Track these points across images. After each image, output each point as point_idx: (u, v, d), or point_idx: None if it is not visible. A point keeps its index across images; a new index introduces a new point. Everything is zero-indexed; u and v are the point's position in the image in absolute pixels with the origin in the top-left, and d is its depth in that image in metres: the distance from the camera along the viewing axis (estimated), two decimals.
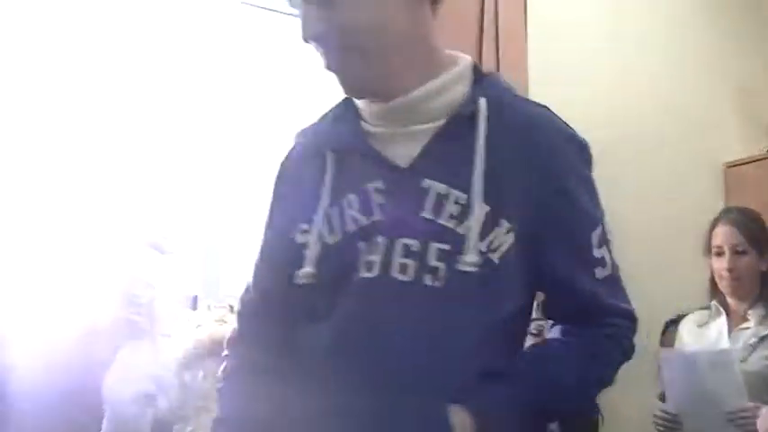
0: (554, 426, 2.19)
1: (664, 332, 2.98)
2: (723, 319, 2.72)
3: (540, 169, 1.25)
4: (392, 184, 1.26)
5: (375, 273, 1.22)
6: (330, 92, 1.34)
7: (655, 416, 2.58)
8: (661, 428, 2.56)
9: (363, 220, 1.25)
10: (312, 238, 1.27)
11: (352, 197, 1.27)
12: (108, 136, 2.78)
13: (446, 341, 1.19)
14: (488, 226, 1.22)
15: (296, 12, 1.28)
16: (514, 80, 3.03)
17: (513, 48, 3.28)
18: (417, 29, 1.28)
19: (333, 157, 1.31)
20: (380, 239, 1.23)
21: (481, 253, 1.21)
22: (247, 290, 1.41)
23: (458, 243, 1.21)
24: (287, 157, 1.42)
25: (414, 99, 1.27)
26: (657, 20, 3.99)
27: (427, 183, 1.24)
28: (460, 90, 1.30)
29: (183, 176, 2.96)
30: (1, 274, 2.48)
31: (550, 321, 1.39)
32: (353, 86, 1.30)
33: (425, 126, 1.28)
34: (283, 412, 1.23)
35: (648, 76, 3.88)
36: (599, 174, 1.34)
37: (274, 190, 1.41)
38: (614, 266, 1.31)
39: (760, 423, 2.32)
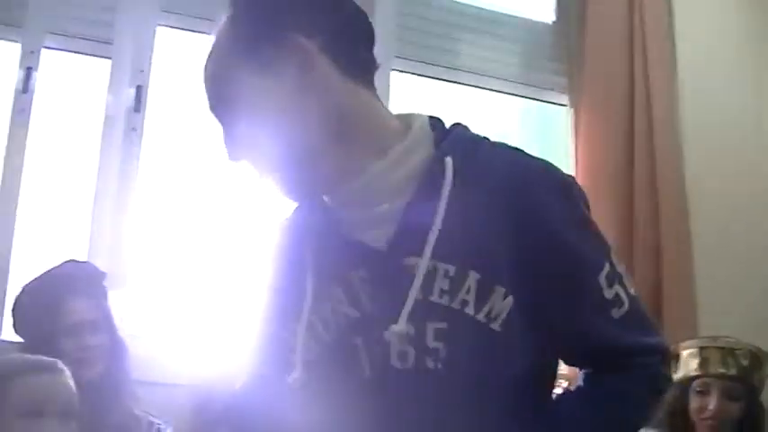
0: None
1: None
2: None
3: (527, 227, 1.17)
4: (375, 270, 1.20)
5: (377, 369, 1.17)
6: None
7: None
8: None
9: (355, 314, 1.20)
10: (300, 339, 1.22)
11: (338, 291, 1.21)
12: None
13: (462, 419, 1.15)
14: (483, 294, 1.16)
15: None
16: (663, 78, 3.18)
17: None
18: (337, 117, 1.20)
19: (312, 249, 1.26)
20: (377, 332, 1.16)
21: (481, 324, 1.15)
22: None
23: (454, 320, 1.15)
24: (272, 249, 1.37)
25: (366, 183, 1.21)
26: None
27: (411, 260, 1.17)
28: (421, 154, 1.22)
29: None
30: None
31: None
32: (292, 198, 1.27)
33: (391, 205, 1.21)
34: None
35: None
36: None
37: (264, 281, 1.36)
38: (632, 299, 1.22)
39: None
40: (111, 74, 2.73)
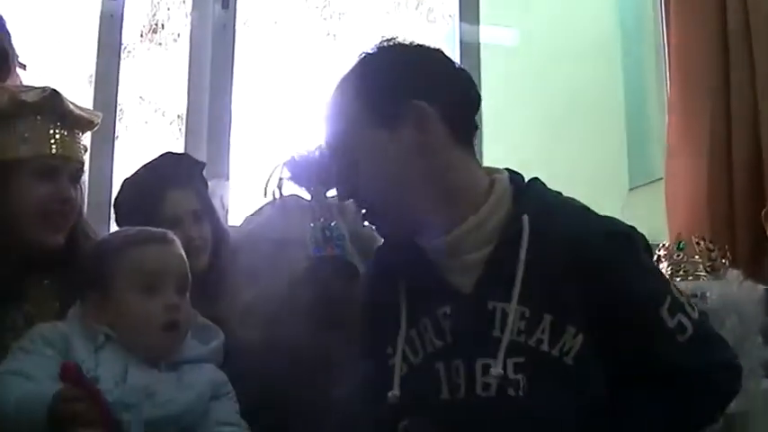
0: None
1: None
2: None
3: (592, 274, 1.33)
4: (459, 309, 1.38)
5: (462, 394, 1.35)
6: None
7: None
8: None
9: (439, 343, 1.39)
10: (398, 361, 1.41)
11: (426, 321, 1.40)
12: None
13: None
14: (557, 333, 1.33)
15: None
16: None
17: None
18: (435, 177, 1.38)
19: (405, 285, 1.44)
20: (459, 362, 1.36)
21: (555, 358, 1.32)
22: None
23: (531, 354, 1.32)
24: (365, 282, 1.60)
25: (456, 239, 1.38)
26: None
27: (492, 305, 1.35)
28: (503, 211, 1.39)
29: None
30: None
31: None
32: (386, 237, 1.49)
33: (477, 255, 1.38)
34: None
35: None
36: None
37: (361, 314, 1.56)
38: (696, 323, 1.37)
39: None
40: None
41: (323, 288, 1.63)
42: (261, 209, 1.95)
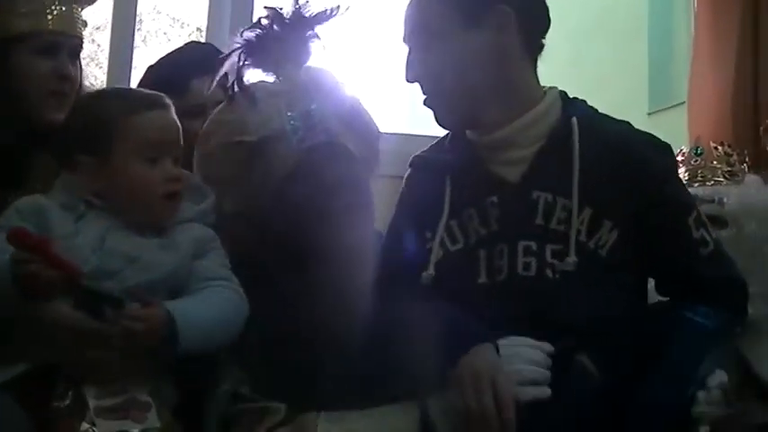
0: None
1: None
2: None
3: (634, 174, 1.47)
4: (506, 198, 1.49)
5: (504, 274, 1.45)
6: None
7: None
8: None
9: (483, 231, 1.49)
10: (435, 245, 1.50)
11: (471, 211, 1.51)
12: None
13: (573, 317, 1.39)
14: (594, 226, 1.45)
15: None
16: None
17: None
18: (503, 76, 1.51)
19: (450, 178, 1.54)
20: (504, 246, 1.46)
21: (590, 250, 1.44)
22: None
23: (566, 243, 1.44)
24: (408, 178, 1.65)
25: (511, 132, 1.51)
26: None
27: (536, 194, 1.48)
28: (552, 116, 1.53)
29: None
30: None
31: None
32: (442, 123, 1.57)
33: (527, 150, 1.51)
34: None
35: None
36: None
37: (399, 205, 1.65)
38: (716, 242, 1.53)
39: None
40: None
41: (318, 181, 1.48)
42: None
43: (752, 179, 2.11)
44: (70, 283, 1.28)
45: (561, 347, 1.37)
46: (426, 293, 1.49)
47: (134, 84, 2.17)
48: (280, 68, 1.55)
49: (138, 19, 2.60)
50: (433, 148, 1.65)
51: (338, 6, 1.54)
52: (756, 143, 2.73)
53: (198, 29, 2.70)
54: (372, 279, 1.48)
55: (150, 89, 1.79)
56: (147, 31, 3.35)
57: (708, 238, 1.52)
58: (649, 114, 3.45)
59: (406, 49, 1.58)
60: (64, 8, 1.68)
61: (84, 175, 1.41)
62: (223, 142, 1.50)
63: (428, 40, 1.52)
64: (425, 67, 1.52)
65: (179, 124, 1.48)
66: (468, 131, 1.59)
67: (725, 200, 2.01)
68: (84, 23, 1.76)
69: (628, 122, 1.58)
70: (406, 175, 1.67)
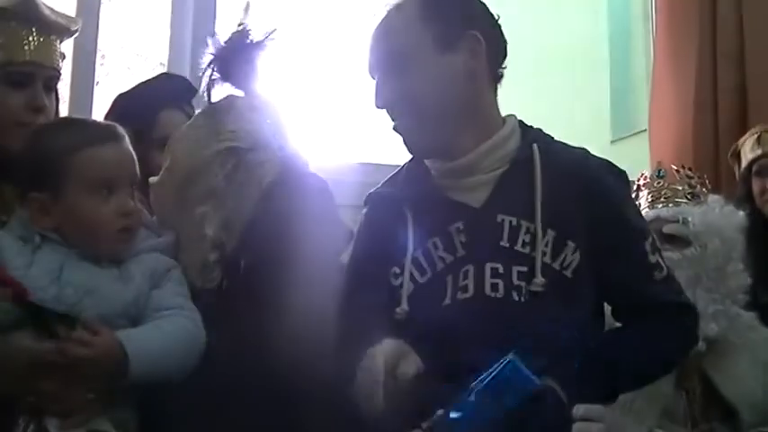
0: None
1: None
2: None
3: (593, 198, 1.51)
4: (471, 223, 1.50)
5: (470, 293, 1.45)
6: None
7: None
8: None
9: (449, 258, 1.50)
10: (405, 280, 1.50)
11: (436, 239, 1.51)
12: None
13: (540, 340, 1.37)
14: (558, 247, 1.48)
15: None
16: None
17: None
18: (473, 101, 1.53)
19: (410, 210, 1.54)
20: (470, 267, 1.47)
21: (556, 271, 1.46)
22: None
23: (532, 265, 1.46)
24: (367, 216, 1.64)
25: (474, 158, 1.53)
26: None
27: (500, 217, 1.49)
28: (513, 142, 1.56)
29: None
30: None
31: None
32: (414, 149, 1.57)
33: (489, 175, 1.53)
34: None
35: None
36: None
37: (358, 243, 1.61)
38: (667, 268, 1.57)
39: None
40: None
41: (299, 187, 1.55)
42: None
43: (715, 199, 2.10)
44: (20, 300, 1.27)
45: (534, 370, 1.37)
46: (399, 332, 1.45)
47: (101, 112, 2.15)
48: (248, 84, 1.55)
49: (100, 54, 2.58)
50: (388, 183, 1.66)
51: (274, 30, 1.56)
52: (716, 166, 2.77)
53: (161, 63, 2.68)
54: (336, 309, 1.49)
55: (118, 118, 1.79)
56: (111, 66, 3.34)
57: (662, 263, 1.56)
58: (612, 142, 3.47)
59: (367, 77, 1.59)
60: (42, 39, 1.68)
61: (36, 211, 1.39)
62: (218, 149, 1.48)
63: (402, 64, 1.52)
64: (399, 92, 1.53)
65: (133, 155, 1.45)
66: (430, 162, 1.60)
67: (689, 219, 2.01)
68: (62, 55, 1.75)
69: (584, 149, 1.62)
70: (363, 213, 1.66)
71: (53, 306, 1.31)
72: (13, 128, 1.61)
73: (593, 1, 3.57)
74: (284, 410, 1.37)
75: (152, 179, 1.55)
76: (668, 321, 1.54)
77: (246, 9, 1.56)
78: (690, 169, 2.19)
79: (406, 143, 1.57)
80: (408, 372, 1.34)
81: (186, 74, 2.48)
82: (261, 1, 2.79)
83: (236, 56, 1.53)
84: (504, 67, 1.60)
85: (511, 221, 1.49)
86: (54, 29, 1.70)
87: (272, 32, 1.56)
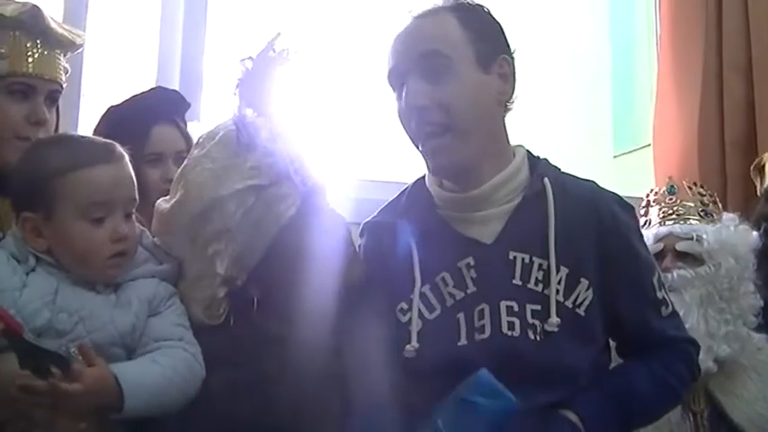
0: None
1: None
2: None
3: (605, 233, 1.50)
4: (482, 259, 1.46)
5: (487, 334, 1.42)
6: None
7: None
8: None
9: (460, 294, 1.47)
10: (414, 316, 1.46)
11: (445, 275, 1.47)
12: None
13: (555, 378, 1.41)
14: (571, 285, 1.46)
15: None
16: None
17: None
18: (498, 126, 1.52)
19: (416, 243, 1.50)
20: (485, 306, 1.44)
21: (569, 309, 1.45)
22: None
23: (545, 303, 1.44)
24: (365, 247, 1.59)
25: (489, 190, 1.49)
26: None
27: (512, 255, 1.46)
28: (523, 175, 1.53)
29: None
30: None
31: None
32: (439, 165, 1.49)
33: (500, 209, 1.49)
34: None
35: None
36: None
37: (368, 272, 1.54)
38: (672, 304, 1.58)
39: None
40: None
41: (319, 221, 1.46)
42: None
43: (729, 217, 2.08)
44: (11, 337, 1.21)
45: (548, 404, 1.39)
46: (408, 369, 1.45)
47: (88, 125, 2.09)
48: (268, 108, 1.47)
49: (87, 65, 2.50)
50: (387, 211, 1.61)
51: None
52: (723, 182, 2.72)
53: (150, 76, 2.61)
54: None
55: (109, 132, 1.75)
56: (98, 79, 3.28)
57: (667, 299, 1.57)
58: (615, 157, 3.43)
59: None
60: (46, 52, 1.65)
61: (28, 231, 1.33)
62: (238, 188, 1.39)
63: (443, 70, 1.45)
64: (436, 98, 1.44)
65: (132, 176, 1.39)
66: (435, 190, 1.55)
67: (703, 236, 1.99)
68: (66, 70, 1.71)
69: (593, 181, 1.60)
70: (361, 243, 1.60)
71: (47, 333, 1.26)
72: (11, 140, 1.58)
73: (595, 11, 3.53)
74: None
75: (160, 204, 1.47)
76: (675, 356, 1.56)
77: (275, 38, 1.48)
78: (702, 186, 2.16)
79: (433, 163, 1.50)
80: None
81: (176, 86, 2.42)
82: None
83: (260, 81, 1.46)
84: (515, 100, 1.56)
85: (523, 258, 1.47)
86: (59, 42, 1.67)
87: (294, 55, 1.48)
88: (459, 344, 1.44)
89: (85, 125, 2.18)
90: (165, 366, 1.30)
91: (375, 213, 1.63)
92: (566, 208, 1.50)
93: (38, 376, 1.20)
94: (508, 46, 1.54)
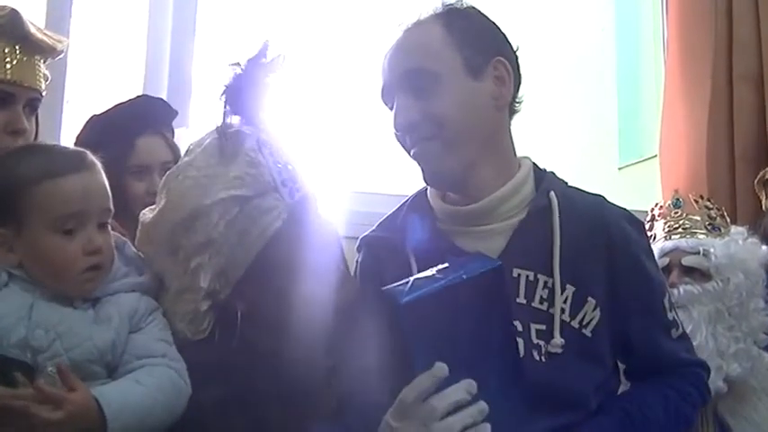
0: None
1: None
2: None
3: (614, 250, 1.45)
4: None
5: None
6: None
7: None
8: None
9: None
10: None
11: None
12: None
13: (561, 401, 1.37)
14: (578, 304, 1.41)
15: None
16: None
17: None
18: (497, 131, 1.46)
19: (415, 258, 1.45)
20: None
21: (574, 329, 1.40)
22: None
23: (549, 323, 1.39)
24: (363, 262, 1.55)
25: (491, 203, 1.44)
26: None
27: (517, 272, 1.41)
28: (529, 188, 1.47)
29: None
30: None
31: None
32: (433, 177, 1.46)
33: (503, 224, 1.44)
34: None
35: None
36: None
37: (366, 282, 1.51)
38: (682, 325, 1.54)
39: None
40: None
41: (307, 232, 1.39)
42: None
43: (738, 231, 2.03)
44: None
45: (555, 429, 1.36)
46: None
47: (70, 133, 2.05)
48: (258, 118, 1.42)
49: (70, 71, 2.45)
50: (384, 226, 1.56)
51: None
52: (732, 195, 2.66)
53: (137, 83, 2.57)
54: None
55: (92, 142, 1.69)
56: (82, 85, 3.25)
57: (678, 320, 1.53)
58: (620, 169, 3.38)
59: (387, 97, 1.49)
60: (25, 58, 1.59)
61: (0, 246, 1.28)
62: (221, 197, 1.33)
63: (430, 84, 1.42)
64: (425, 113, 1.42)
65: (105, 185, 1.33)
66: (437, 203, 1.51)
67: (711, 251, 1.95)
68: (46, 77, 1.65)
69: (601, 196, 1.55)
70: (358, 259, 1.57)
71: (23, 350, 1.21)
72: None
73: (600, 19, 3.49)
74: None
75: (144, 214, 1.42)
76: (686, 380, 1.51)
77: (266, 47, 1.42)
78: (709, 200, 2.12)
79: (424, 171, 1.47)
80: None
81: (163, 95, 2.37)
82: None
83: (248, 88, 1.41)
84: (521, 101, 1.52)
85: (528, 276, 1.42)
86: (39, 48, 1.62)
87: (285, 63, 1.43)
88: None
89: (68, 134, 2.12)
90: (149, 387, 1.24)
91: (373, 227, 1.58)
92: (573, 224, 1.45)
93: (1, 384, 1.15)
94: (505, 46, 1.48)
